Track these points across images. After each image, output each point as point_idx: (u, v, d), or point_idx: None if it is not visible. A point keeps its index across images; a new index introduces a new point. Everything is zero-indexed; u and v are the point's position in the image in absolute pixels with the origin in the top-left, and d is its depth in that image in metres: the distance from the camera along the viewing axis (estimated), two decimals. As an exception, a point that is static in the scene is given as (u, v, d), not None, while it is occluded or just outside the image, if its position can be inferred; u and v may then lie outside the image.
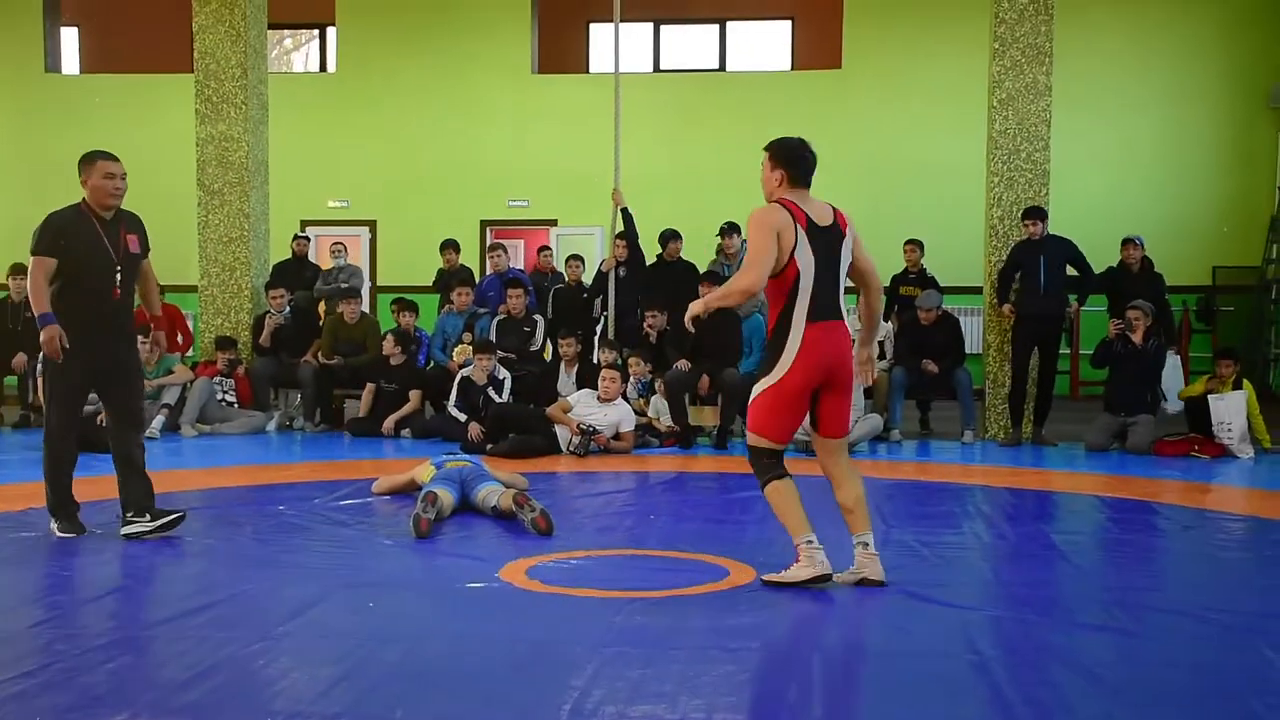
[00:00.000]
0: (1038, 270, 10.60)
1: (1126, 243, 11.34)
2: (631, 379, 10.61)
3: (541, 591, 5.14)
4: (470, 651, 4.30)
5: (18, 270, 12.32)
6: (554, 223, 16.49)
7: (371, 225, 16.83)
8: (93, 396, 9.82)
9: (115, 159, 6.25)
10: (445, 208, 16.31)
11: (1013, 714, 3.63)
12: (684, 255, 11.67)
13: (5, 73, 17.32)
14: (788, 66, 17.41)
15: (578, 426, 9.78)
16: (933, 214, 15.08)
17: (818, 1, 17.15)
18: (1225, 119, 15.74)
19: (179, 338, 12.43)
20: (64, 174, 18.10)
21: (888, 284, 12.51)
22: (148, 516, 6.18)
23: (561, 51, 17.60)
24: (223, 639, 4.36)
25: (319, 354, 11.78)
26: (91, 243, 6.09)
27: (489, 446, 9.85)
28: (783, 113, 15.97)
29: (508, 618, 4.77)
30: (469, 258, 13.96)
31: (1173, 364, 10.86)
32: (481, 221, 16.63)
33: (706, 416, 10.72)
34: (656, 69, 17.63)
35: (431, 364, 11.82)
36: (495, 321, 11.67)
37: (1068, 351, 14.93)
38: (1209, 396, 10.13)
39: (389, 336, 11.41)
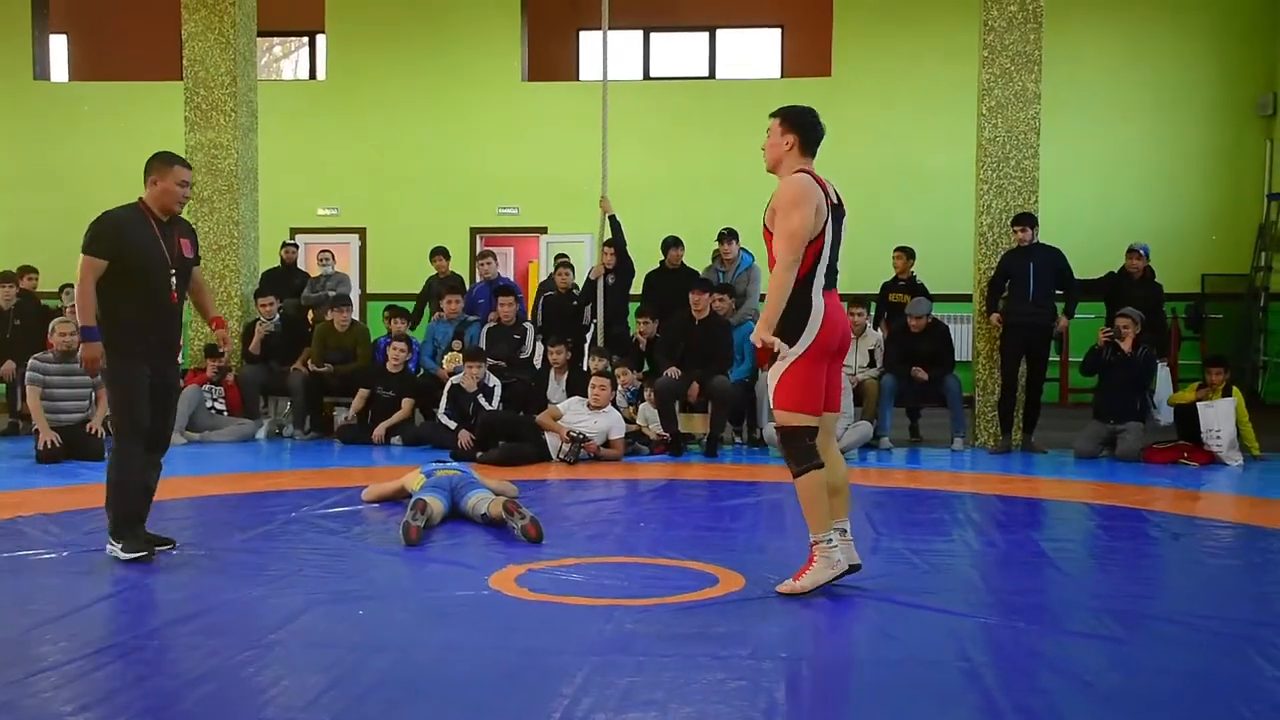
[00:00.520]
0: (1027, 278, 10.62)
1: (1131, 252, 11.36)
2: (620, 387, 10.61)
3: (531, 599, 5.13)
4: (460, 659, 4.29)
5: (6, 279, 12.31)
6: (544, 230, 16.50)
7: (361, 233, 16.82)
8: (83, 404, 9.92)
9: (190, 166, 6.14)
10: (435, 215, 16.31)
11: (1003, 721, 3.63)
12: (685, 262, 11.71)
13: (-6, 80, 17.30)
14: (777, 74, 17.45)
15: (567, 434, 9.77)
16: (922, 221, 15.12)
17: (807, 9, 17.19)
18: (1214, 127, 15.79)
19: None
20: (53, 181, 18.20)
21: (877, 291, 12.55)
22: (120, 546, 5.85)
23: (551, 59, 17.62)
24: (212, 647, 4.35)
25: (308, 362, 11.76)
26: (149, 244, 5.93)
27: (479, 454, 9.83)
28: (773, 120, 16.00)
29: (497, 625, 4.76)
30: (459, 265, 13.95)
31: (1162, 375, 10.87)
32: (471, 229, 16.63)
33: (696, 424, 10.72)
34: (646, 77, 17.65)
35: (421, 371, 11.80)
36: (485, 329, 11.66)
37: (1057, 359, 14.96)
38: (1198, 404, 10.14)
39: (395, 343, 11.38)
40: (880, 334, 11.71)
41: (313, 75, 18.57)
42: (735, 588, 5.33)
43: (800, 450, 5.08)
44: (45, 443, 9.54)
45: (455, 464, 7.72)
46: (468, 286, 13.09)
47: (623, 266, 11.50)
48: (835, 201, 5.24)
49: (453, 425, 10.43)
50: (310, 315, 12.78)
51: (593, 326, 11.59)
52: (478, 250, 15.10)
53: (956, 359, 11.48)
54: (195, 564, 5.84)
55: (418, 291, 13.29)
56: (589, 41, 17.75)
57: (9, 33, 17.28)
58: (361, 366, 11.60)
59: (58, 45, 18.41)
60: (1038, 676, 4.10)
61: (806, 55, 17.14)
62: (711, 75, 17.62)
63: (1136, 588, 5.60)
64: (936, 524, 7.15)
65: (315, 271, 13.28)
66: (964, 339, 13.71)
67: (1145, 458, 10.04)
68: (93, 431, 9.83)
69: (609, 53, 11.39)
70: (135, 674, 4.03)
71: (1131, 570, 6.06)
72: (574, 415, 9.98)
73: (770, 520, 7.46)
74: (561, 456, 9.77)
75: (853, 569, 5.25)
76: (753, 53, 17.82)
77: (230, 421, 11.38)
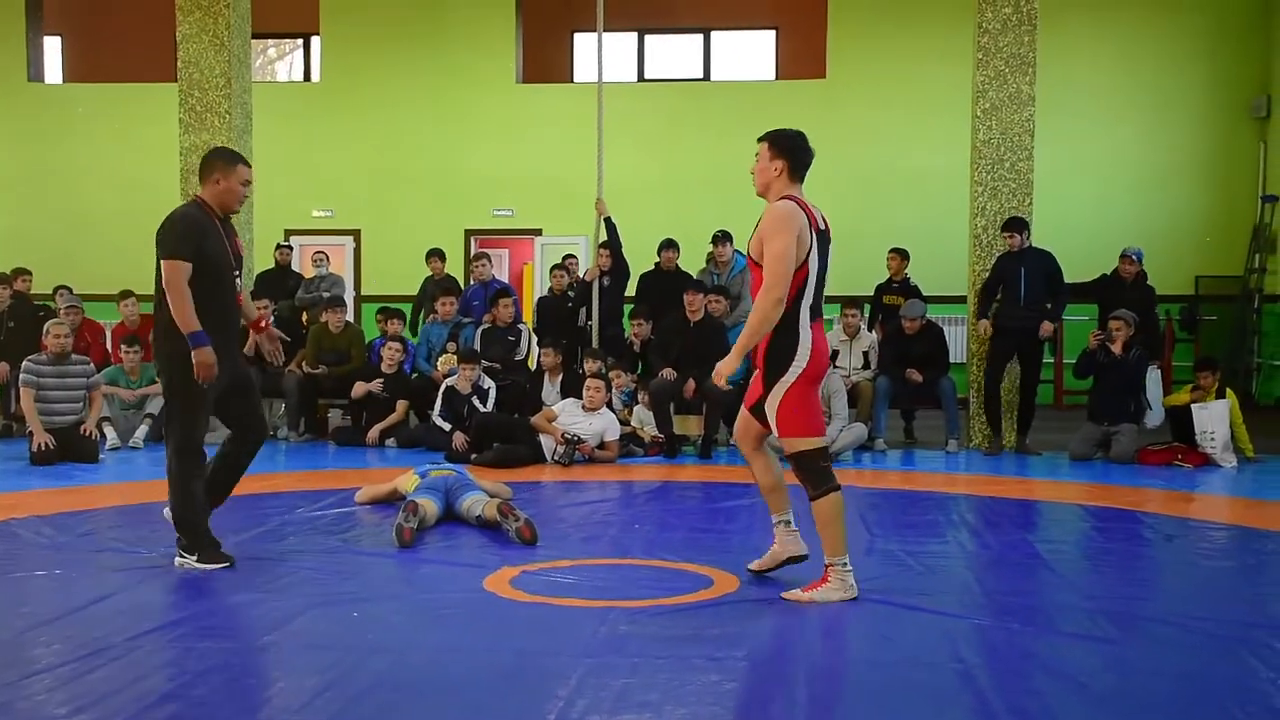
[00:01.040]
0: (1018, 282, 10.63)
1: (1123, 257, 11.37)
2: (614, 389, 10.60)
3: (526, 601, 5.13)
4: (455, 661, 4.29)
5: (0, 280, 12.29)
6: (538, 232, 16.49)
7: (356, 235, 16.81)
8: (76, 405, 9.90)
9: (250, 165, 6.05)
10: (430, 217, 16.31)
11: (998, 723, 3.64)
12: (680, 264, 11.73)
13: (-12, 82, 17.29)
14: (772, 76, 17.45)
15: (562, 436, 9.77)
16: (917, 223, 15.13)
17: (802, 11, 17.20)
18: (1208, 129, 15.82)
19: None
20: (47, 183, 18.17)
21: (872, 293, 12.56)
22: (194, 557, 5.74)
23: (546, 61, 17.63)
24: (206, 649, 4.35)
25: (303, 363, 11.75)
26: (220, 244, 5.78)
27: (473, 456, 9.83)
28: (767, 122, 15.71)
29: (492, 627, 4.76)
30: (454, 267, 13.95)
31: (1153, 377, 10.87)
32: (466, 231, 16.63)
33: (691, 426, 10.71)
34: (641, 78, 17.65)
35: (416, 374, 11.79)
36: (480, 331, 11.66)
37: (1051, 361, 15.00)
38: (1192, 406, 10.16)
39: (390, 345, 11.39)
40: (875, 336, 11.71)
41: (307, 77, 18.56)
42: (730, 589, 5.33)
43: (816, 473, 5.09)
44: (39, 444, 9.52)
45: (450, 465, 7.72)
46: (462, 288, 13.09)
47: (618, 268, 11.51)
48: (822, 228, 5.23)
49: (447, 427, 10.42)
50: (304, 317, 12.76)
51: (588, 328, 11.59)
52: (473, 252, 15.10)
53: (951, 361, 11.48)
54: (189, 566, 5.82)
55: (411, 293, 13.29)
56: (584, 43, 17.75)
57: (3, 34, 17.25)
58: (356, 368, 11.59)
59: (52, 47, 18.38)
60: (1032, 678, 4.11)
61: (801, 57, 17.15)
62: (706, 77, 17.62)
63: (1130, 589, 5.60)
64: (931, 526, 7.16)
65: (310, 273, 13.27)
66: (958, 341, 13.72)
67: (1139, 459, 10.05)
68: (86, 434, 9.82)
69: (604, 54, 11.39)
70: (130, 676, 4.03)
71: (1125, 572, 6.06)
72: (569, 417, 9.97)
73: (765, 522, 7.42)
74: (556, 458, 9.77)
75: (794, 560, 5.40)
76: (747, 55, 17.83)
77: (225, 424, 11.36)
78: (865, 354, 11.29)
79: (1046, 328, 10.65)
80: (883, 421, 11.03)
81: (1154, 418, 10.73)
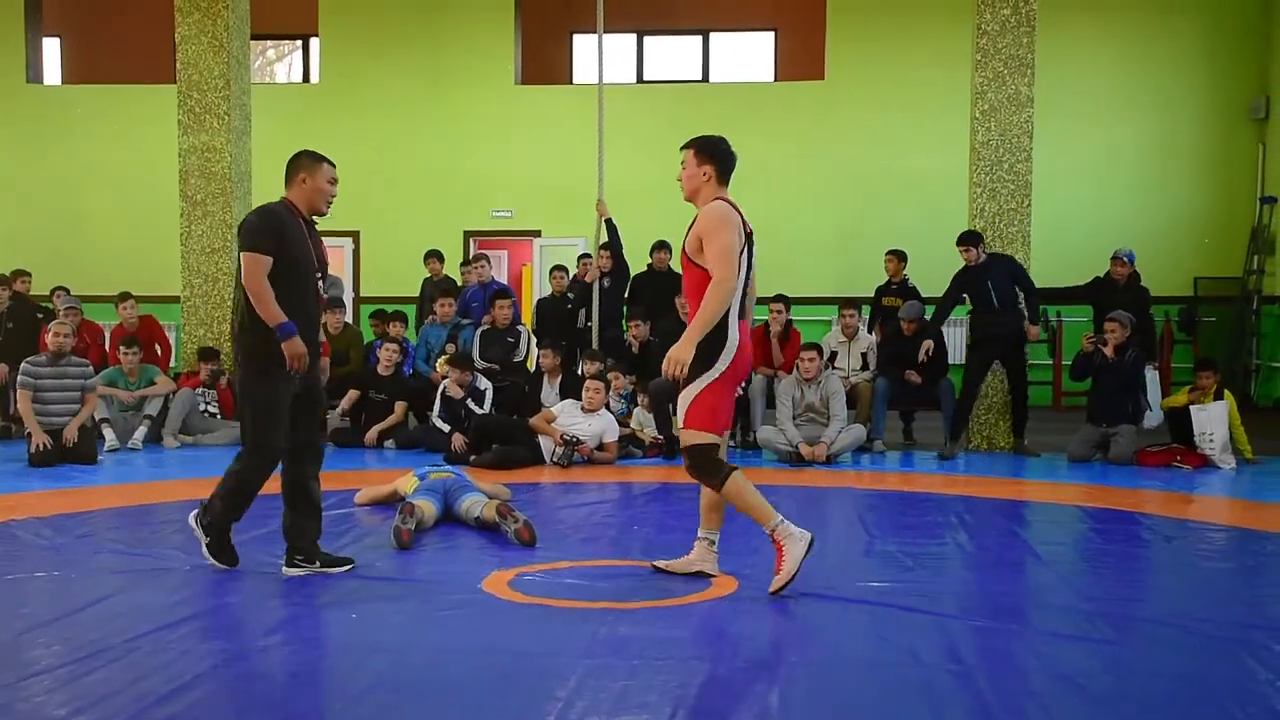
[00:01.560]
0: (987, 291, 10.57)
1: (1115, 259, 11.38)
2: (613, 390, 10.60)
3: (525, 602, 5.13)
4: (453, 662, 4.29)
5: (-1, 281, 12.31)
6: (537, 233, 16.49)
7: (355, 236, 16.81)
8: (74, 406, 9.89)
9: (334, 165, 6.01)
10: (428, 218, 16.31)
11: (996, 724, 3.64)
12: (672, 265, 11.73)
13: (-13, 83, 17.29)
14: (771, 77, 17.45)
15: (561, 437, 9.77)
16: (915, 225, 15.13)
17: (801, 13, 17.21)
18: (1207, 131, 15.83)
19: (157, 349, 12.38)
20: (46, 185, 18.16)
21: (871, 295, 12.57)
22: (317, 564, 5.70)
23: (545, 62, 17.63)
24: (205, 651, 4.34)
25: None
26: (303, 244, 5.68)
27: (472, 457, 9.83)
28: (766, 123, 16.02)
29: (491, 628, 4.76)
30: (451, 269, 13.95)
31: (1150, 378, 10.87)
32: (465, 232, 16.63)
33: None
34: (640, 80, 17.65)
35: (415, 375, 11.79)
36: (479, 332, 11.66)
37: (1050, 362, 15.01)
38: (1191, 407, 10.16)
39: (386, 347, 11.38)
40: (873, 337, 11.72)
41: (306, 79, 18.56)
42: (728, 590, 5.33)
43: (712, 464, 5.25)
44: (38, 445, 9.52)
45: (449, 467, 7.72)
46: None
47: (618, 270, 11.51)
48: (749, 231, 5.34)
49: (446, 428, 10.42)
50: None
51: (588, 330, 11.59)
52: (473, 253, 15.10)
53: (949, 363, 11.47)
54: (188, 567, 5.82)
55: (411, 295, 13.29)
56: (582, 45, 17.75)
57: (2, 36, 17.25)
58: (354, 370, 11.60)
59: (51, 48, 18.37)
60: (1030, 679, 4.11)
61: (800, 59, 17.15)
62: (705, 79, 17.62)
63: (1129, 591, 5.61)
64: (930, 527, 7.16)
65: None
66: (957, 342, 13.73)
67: (1138, 461, 10.05)
68: (66, 440, 9.68)
69: (603, 56, 11.39)
70: (128, 678, 4.02)
71: (1124, 573, 6.07)
72: (568, 418, 9.98)
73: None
74: (555, 460, 9.77)
75: (701, 575, 5.54)
76: (746, 56, 17.83)
77: (224, 425, 11.36)
78: (864, 355, 11.30)
79: (1033, 332, 10.60)
80: (881, 423, 11.03)
81: (1152, 419, 10.74)
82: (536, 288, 15.90)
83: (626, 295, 11.92)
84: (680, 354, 5.11)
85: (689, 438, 5.25)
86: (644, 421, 10.61)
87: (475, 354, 11.42)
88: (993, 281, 10.55)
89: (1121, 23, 15.94)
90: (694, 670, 4.14)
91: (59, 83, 18.42)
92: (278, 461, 5.68)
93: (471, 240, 16.64)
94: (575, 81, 17.61)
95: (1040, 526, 7.45)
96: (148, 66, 17.37)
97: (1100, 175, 15.85)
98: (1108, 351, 10.35)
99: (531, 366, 11.76)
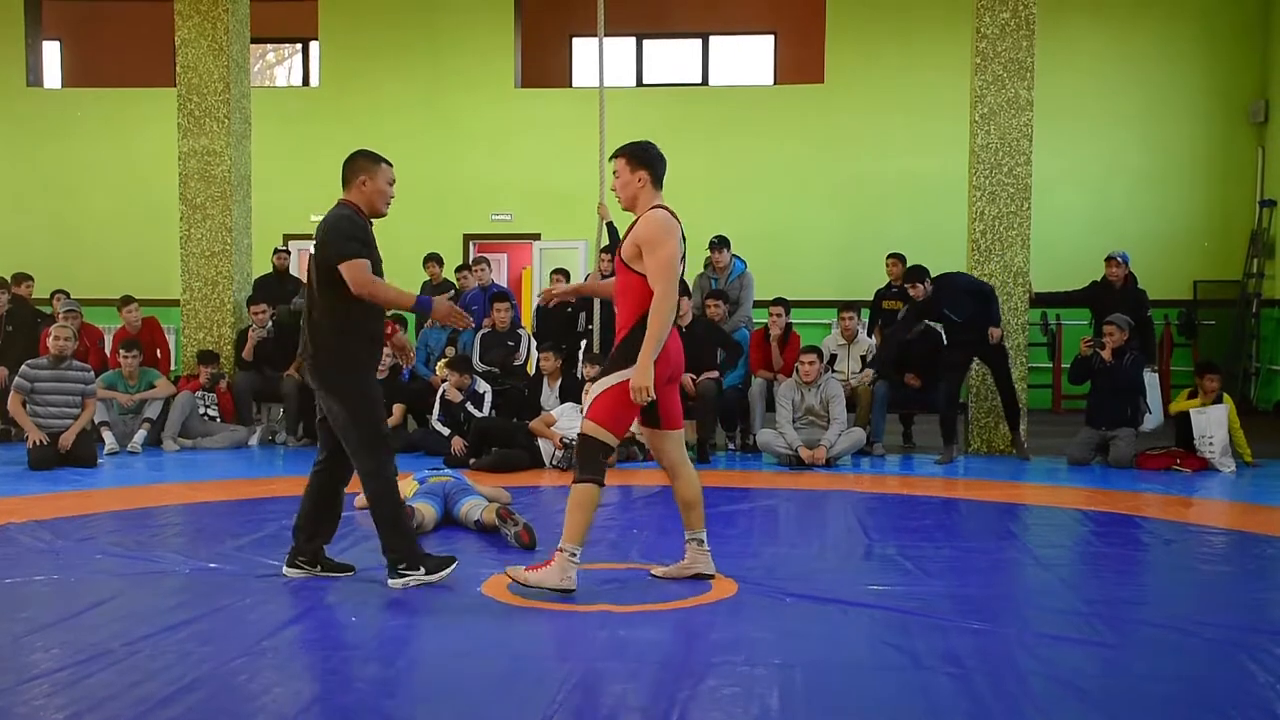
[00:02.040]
0: (947, 314, 10.54)
1: (1109, 260, 11.38)
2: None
3: (524, 605, 5.13)
4: (453, 665, 4.29)
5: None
6: (537, 236, 16.50)
7: (354, 239, 16.77)
8: (74, 410, 9.88)
9: (392, 165, 6.00)
10: (428, 222, 16.29)
11: (996, 727, 3.64)
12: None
13: (-13, 87, 17.29)
14: (770, 81, 17.47)
15: (561, 440, 9.77)
16: (915, 228, 15.14)
17: (800, 16, 17.22)
18: (1206, 134, 15.83)
19: (157, 352, 12.38)
20: (46, 188, 18.14)
21: (870, 298, 12.57)
22: (318, 568, 5.62)
23: (544, 66, 17.63)
24: (204, 654, 4.34)
25: (301, 368, 11.73)
26: (374, 245, 5.72)
27: (472, 461, 9.83)
28: (765, 126, 16.05)
29: (490, 631, 4.76)
30: (449, 273, 13.95)
31: (1150, 381, 10.87)
32: (465, 235, 16.63)
33: (689, 430, 10.70)
34: (639, 83, 17.66)
35: (414, 378, 11.79)
36: (479, 335, 11.66)
37: (1049, 365, 15.01)
38: (1191, 410, 10.17)
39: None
40: (872, 340, 11.73)
41: (306, 82, 18.57)
42: (728, 594, 5.33)
43: (591, 461, 5.25)
44: (34, 442, 9.51)
45: (448, 470, 7.72)
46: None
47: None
48: (683, 236, 5.40)
49: (446, 432, 10.42)
50: (302, 321, 12.74)
51: (589, 333, 11.58)
52: (472, 256, 15.10)
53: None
54: (187, 570, 5.82)
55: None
56: (582, 48, 17.77)
57: (2, 39, 17.26)
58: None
59: (51, 52, 18.39)
60: (1029, 682, 4.10)
61: (799, 62, 17.17)
62: (704, 82, 17.63)
63: (1128, 593, 5.61)
64: (929, 530, 7.15)
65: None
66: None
67: (1138, 464, 10.04)
68: (61, 446, 9.67)
69: (604, 59, 11.39)
70: (127, 681, 4.02)
71: (1123, 576, 6.07)
72: (568, 421, 9.97)
73: (763, 526, 7.48)
74: (555, 463, 9.77)
75: (702, 577, 5.53)
76: (746, 60, 17.84)
77: (223, 428, 11.37)
78: (863, 358, 11.29)
79: (994, 333, 10.52)
80: (881, 426, 11.02)
81: (1152, 421, 10.73)
82: (536, 290, 15.89)
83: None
84: (641, 380, 5.11)
85: (588, 427, 5.26)
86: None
87: (475, 357, 11.42)
88: (947, 306, 10.53)
89: (1121, 26, 15.95)
90: (693, 673, 4.14)
91: (59, 86, 18.44)
92: (393, 449, 5.64)
93: (471, 243, 16.65)
94: (575, 85, 17.62)
95: (1040, 529, 7.45)
96: (147, 70, 17.40)
97: (1100, 179, 15.85)
98: (1106, 355, 10.35)
99: (532, 370, 11.75)
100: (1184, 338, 15.28)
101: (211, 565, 5.91)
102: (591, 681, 4.02)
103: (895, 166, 15.90)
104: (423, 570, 5.43)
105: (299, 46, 18.75)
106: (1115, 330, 10.36)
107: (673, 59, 17.86)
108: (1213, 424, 10.01)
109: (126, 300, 12.30)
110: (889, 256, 12.55)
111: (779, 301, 11.41)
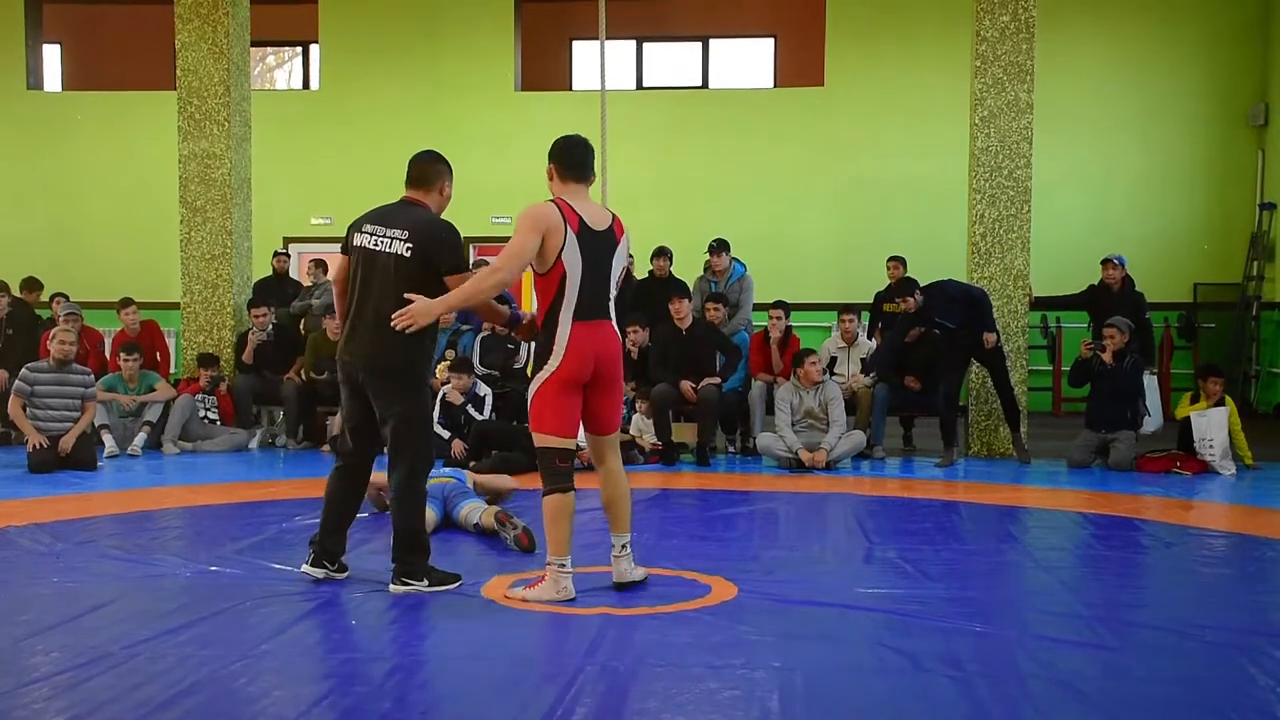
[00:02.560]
0: (940, 322, 10.55)
1: (1105, 262, 11.37)
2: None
3: (523, 608, 5.13)
4: (452, 668, 4.29)
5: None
6: (538, 239, 16.45)
7: (355, 242, 16.78)
8: (74, 413, 9.88)
9: None
10: (428, 225, 16.28)
11: (996, 730, 3.63)
12: (672, 271, 11.75)
13: (-13, 90, 17.29)
14: (770, 84, 17.47)
15: (561, 443, 9.75)
16: (915, 231, 15.14)
17: (800, 19, 17.22)
18: (1206, 137, 15.83)
19: (157, 355, 12.38)
20: (46, 191, 18.13)
21: (869, 301, 12.57)
22: (425, 582, 5.46)
23: (544, 69, 17.63)
24: (204, 657, 4.34)
25: (302, 371, 11.74)
26: None
27: (472, 463, 9.82)
28: (765, 129, 16.05)
29: (490, 634, 4.76)
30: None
31: (1150, 384, 10.86)
32: (465, 239, 16.59)
33: (690, 434, 10.72)
34: (639, 86, 17.66)
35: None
36: (479, 338, 11.66)
37: (1049, 368, 15.01)
38: (1191, 413, 10.16)
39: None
40: (872, 343, 11.73)
41: (306, 85, 18.58)
42: (728, 597, 5.33)
43: (554, 471, 5.27)
44: (34, 445, 9.51)
45: (448, 473, 7.71)
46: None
47: (624, 277, 11.50)
48: (602, 229, 5.36)
49: (446, 435, 10.41)
50: (302, 325, 12.77)
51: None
52: (472, 260, 15.10)
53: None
54: (187, 573, 5.82)
55: (410, 300, 13.26)
56: (582, 51, 17.77)
57: (2, 42, 17.25)
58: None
59: (51, 55, 18.38)
60: (1029, 685, 4.10)
61: (799, 65, 17.17)
62: (704, 85, 17.63)
63: (1129, 596, 5.61)
64: (929, 533, 7.15)
65: (307, 281, 13.26)
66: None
67: (1138, 467, 10.05)
68: (61, 449, 9.67)
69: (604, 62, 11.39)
70: (128, 684, 4.02)
71: (1124, 579, 6.06)
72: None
73: (763, 529, 7.48)
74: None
75: (620, 586, 5.44)
76: (746, 62, 17.84)
77: (223, 431, 11.37)
78: (863, 361, 11.29)
79: (989, 339, 10.51)
80: (881, 429, 11.03)
81: (1151, 424, 10.73)
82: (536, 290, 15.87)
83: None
84: (419, 309, 5.18)
85: (536, 439, 5.29)
86: (643, 428, 10.61)
87: (475, 360, 11.42)
88: (938, 315, 10.52)
89: (1121, 29, 15.95)
90: (693, 677, 4.13)
91: (59, 89, 18.44)
92: (431, 461, 5.71)
93: (472, 246, 16.64)
94: (575, 88, 17.61)
95: (1040, 532, 7.44)
96: (148, 73, 17.39)
97: (1100, 181, 15.86)
98: (1106, 358, 10.35)
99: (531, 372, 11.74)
100: (1184, 340, 15.28)
101: (212, 568, 5.92)
102: (592, 684, 4.02)
103: (895, 169, 15.90)
104: (426, 582, 5.43)
105: (299, 50, 18.76)
106: (1115, 333, 10.36)
107: (673, 62, 17.87)
108: (1213, 427, 10.02)
109: (125, 303, 12.30)
110: (889, 259, 12.55)
111: (779, 304, 11.42)
